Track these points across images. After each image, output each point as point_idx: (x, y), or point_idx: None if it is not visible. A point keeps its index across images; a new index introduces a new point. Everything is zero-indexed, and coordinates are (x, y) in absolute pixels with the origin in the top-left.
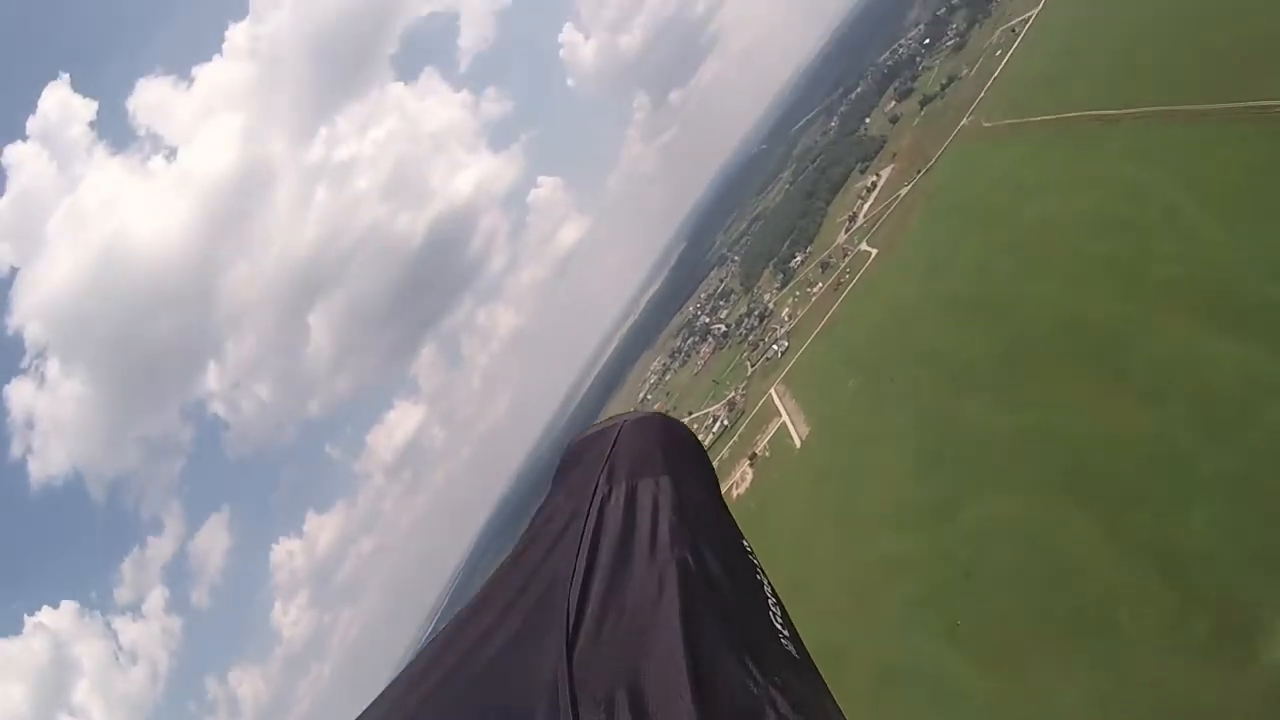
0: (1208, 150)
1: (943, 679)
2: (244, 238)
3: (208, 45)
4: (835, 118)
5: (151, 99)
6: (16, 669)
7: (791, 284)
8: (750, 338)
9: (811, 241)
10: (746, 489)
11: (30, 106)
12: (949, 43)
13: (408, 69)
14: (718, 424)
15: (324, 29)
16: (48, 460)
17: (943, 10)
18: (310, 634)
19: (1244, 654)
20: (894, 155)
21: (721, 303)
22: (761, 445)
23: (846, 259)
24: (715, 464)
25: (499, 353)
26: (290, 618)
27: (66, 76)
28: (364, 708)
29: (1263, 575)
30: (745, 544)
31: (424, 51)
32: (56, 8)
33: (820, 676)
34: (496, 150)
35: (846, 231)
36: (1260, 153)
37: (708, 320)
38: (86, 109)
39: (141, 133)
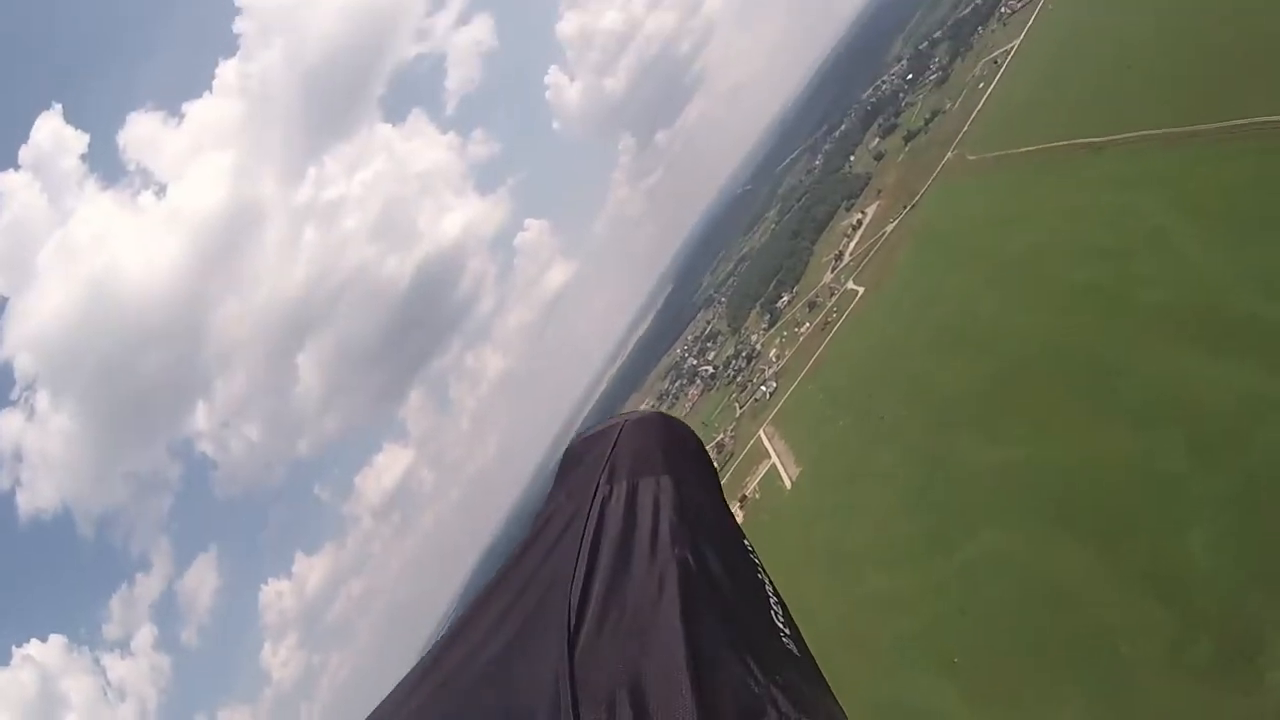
0: (1193, 171)
1: (940, 715)
2: (233, 276)
3: (198, 82)
4: (820, 156)
5: (142, 134)
6: (4, 700)
7: (779, 324)
8: (738, 379)
9: (798, 281)
10: None
11: (23, 135)
12: (932, 77)
13: (395, 110)
14: None
15: (313, 69)
16: (36, 493)
17: (925, 45)
18: (300, 675)
19: (1249, 677)
20: (879, 192)
21: (709, 344)
22: (751, 487)
23: (833, 298)
24: None
25: (487, 396)
26: (280, 658)
27: (59, 107)
28: (369, 711)
29: (1264, 595)
30: (746, 543)
31: (411, 93)
32: (50, 36)
33: (822, 675)
34: (484, 193)
35: (833, 270)
36: (1245, 170)
37: (695, 362)
38: (78, 141)
39: (132, 167)
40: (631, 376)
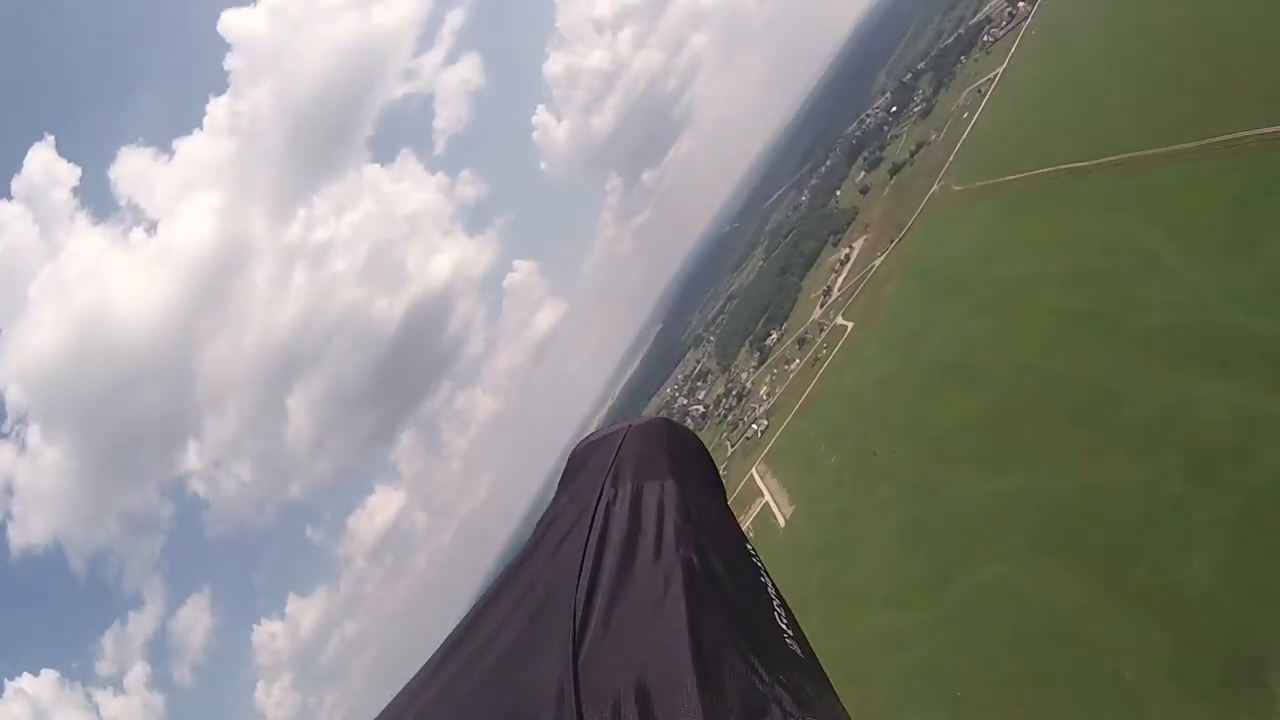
0: (1181, 190)
1: None
2: (224, 316)
3: (188, 118)
4: (806, 192)
5: (133, 169)
6: None
7: (768, 362)
8: (729, 418)
9: (787, 318)
10: None
11: (16, 166)
12: (916, 109)
13: (384, 150)
14: None
15: (302, 107)
16: (28, 527)
17: (908, 77)
18: (294, 716)
19: (1258, 694)
20: (866, 226)
21: (699, 383)
22: (744, 526)
23: (823, 334)
24: None
25: (478, 438)
26: (274, 699)
27: (52, 139)
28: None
29: (1271, 610)
30: (749, 546)
31: (400, 133)
32: (44, 67)
33: (825, 676)
34: (472, 234)
35: (821, 306)
36: (1233, 186)
37: (685, 401)
38: (70, 174)
39: (123, 203)
40: (621, 418)
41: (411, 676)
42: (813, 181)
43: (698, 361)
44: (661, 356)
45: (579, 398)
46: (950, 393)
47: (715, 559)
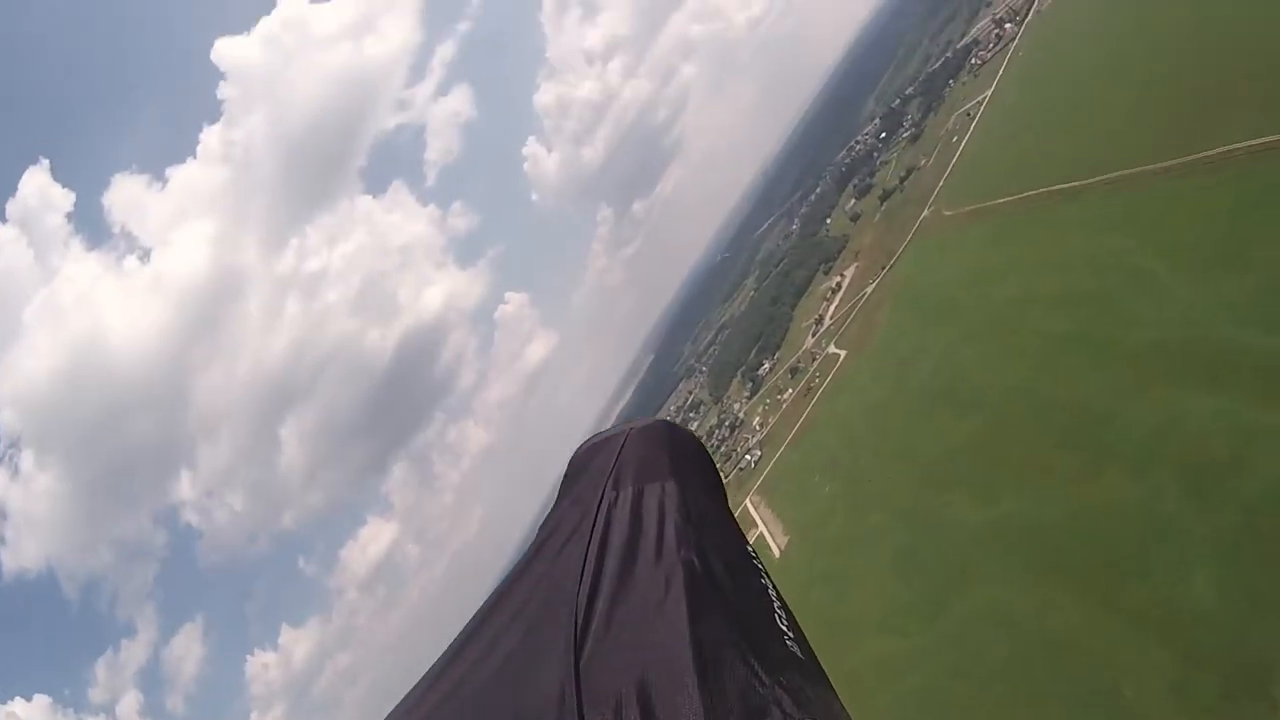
0: (1171, 206)
1: None
2: (216, 344)
3: (182, 146)
4: (796, 220)
5: (127, 197)
6: None
7: (761, 392)
8: (722, 449)
9: (779, 347)
10: None
11: (11, 188)
12: (905, 134)
13: (376, 182)
14: None
15: (295, 137)
16: (20, 552)
17: (897, 102)
18: None
19: (1262, 708)
20: (857, 254)
21: (692, 414)
22: None
23: (815, 363)
24: None
25: (470, 470)
26: None
27: (47, 163)
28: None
29: (1273, 623)
30: (749, 548)
31: (392, 164)
32: (39, 90)
33: (826, 677)
34: (463, 266)
35: (813, 335)
36: (1223, 200)
37: None
38: (65, 199)
39: (116, 230)
40: None
41: (417, 680)
42: (803, 210)
43: (690, 392)
44: (653, 388)
45: (571, 430)
46: (942, 418)
47: (716, 560)
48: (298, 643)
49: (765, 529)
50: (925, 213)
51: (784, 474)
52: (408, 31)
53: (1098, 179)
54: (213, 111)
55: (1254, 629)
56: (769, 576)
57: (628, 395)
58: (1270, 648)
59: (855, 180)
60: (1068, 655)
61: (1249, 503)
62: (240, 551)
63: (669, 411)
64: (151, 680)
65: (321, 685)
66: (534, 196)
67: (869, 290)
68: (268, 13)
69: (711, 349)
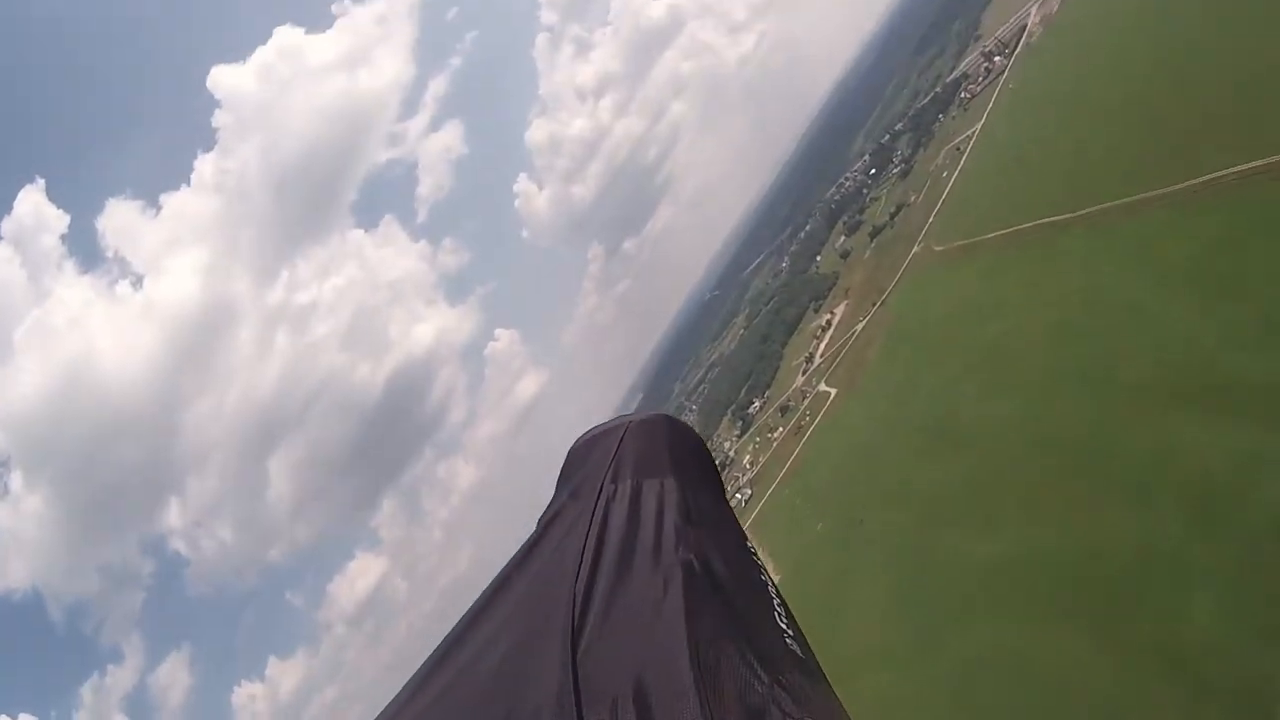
0: (1161, 235)
1: None
2: (207, 374)
3: (176, 174)
4: (786, 258)
5: (121, 222)
6: None
7: (751, 430)
8: None
9: (769, 386)
10: None
11: (6, 207)
12: (895, 170)
13: (367, 216)
14: None
15: (288, 168)
16: (7, 572)
17: (886, 138)
18: None
19: None
20: (847, 291)
21: None
22: None
23: (806, 401)
24: None
25: (460, 506)
26: None
27: (42, 182)
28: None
29: (1277, 648)
30: (749, 545)
31: (384, 199)
32: (36, 110)
33: (825, 676)
34: (454, 302)
35: (804, 373)
36: (1213, 226)
37: None
38: (59, 221)
39: (110, 254)
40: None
41: (410, 676)
42: (793, 247)
43: None
44: None
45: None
46: (936, 455)
47: (715, 559)
48: (285, 674)
49: None
50: (916, 249)
51: (775, 512)
52: (401, 65)
53: (1088, 209)
54: (207, 139)
55: (1259, 658)
56: (768, 574)
57: None
58: (1276, 675)
59: (845, 217)
60: (1070, 692)
61: (1253, 531)
62: (228, 582)
63: None
64: (138, 706)
65: (308, 718)
66: (525, 233)
67: (860, 327)
68: (264, 42)
69: (701, 387)
